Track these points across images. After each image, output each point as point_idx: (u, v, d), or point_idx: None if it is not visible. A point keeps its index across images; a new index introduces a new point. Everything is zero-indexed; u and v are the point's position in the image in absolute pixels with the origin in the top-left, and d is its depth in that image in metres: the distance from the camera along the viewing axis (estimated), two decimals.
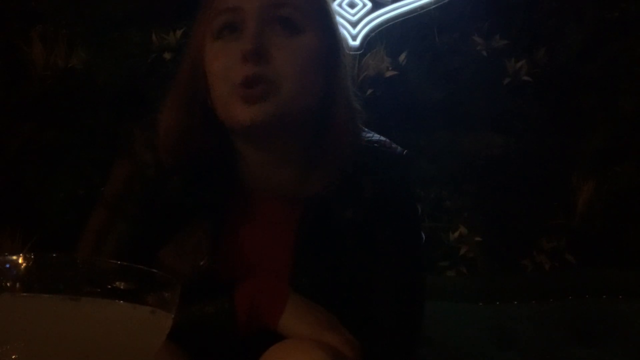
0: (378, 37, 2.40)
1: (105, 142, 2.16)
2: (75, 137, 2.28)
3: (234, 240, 1.12)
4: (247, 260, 1.12)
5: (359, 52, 2.34)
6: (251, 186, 1.12)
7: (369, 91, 2.26)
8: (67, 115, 2.31)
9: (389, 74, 2.36)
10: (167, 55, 2.36)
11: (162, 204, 1.10)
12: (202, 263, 1.07)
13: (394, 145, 1.19)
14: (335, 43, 1.13)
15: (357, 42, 2.35)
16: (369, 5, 2.41)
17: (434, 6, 2.42)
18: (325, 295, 1.08)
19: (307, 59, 1.07)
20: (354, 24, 2.37)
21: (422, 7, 2.42)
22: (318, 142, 1.10)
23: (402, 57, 2.40)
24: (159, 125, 1.11)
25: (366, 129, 1.18)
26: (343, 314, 1.07)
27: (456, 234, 2.23)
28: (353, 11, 2.38)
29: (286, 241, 1.11)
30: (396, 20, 2.42)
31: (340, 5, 2.38)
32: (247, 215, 1.13)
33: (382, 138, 1.19)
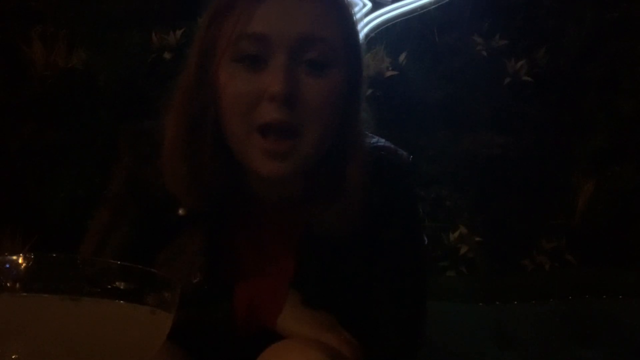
0: (378, 37, 2.40)
1: (105, 142, 2.16)
2: (75, 137, 2.28)
3: (235, 243, 1.11)
4: (248, 263, 1.11)
5: None
6: (254, 192, 1.11)
7: (369, 91, 2.26)
8: (67, 115, 2.31)
9: (389, 74, 2.36)
10: (167, 55, 2.36)
11: (158, 209, 1.08)
12: (195, 281, 1.05)
13: (399, 152, 1.17)
14: (359, 76, 1.08)
15: None
16: (369, 5, 2.41)
17: (434, 6, 2.42)
18: (328, 298, 1.08)
19: (333, 99, 1.01)
20: None
21: (422, 7, 2.42)
22: (329, 174, 1.06)
23: (402, 57, 2.40)
24: (164, 153, 1.04)
25: (370, 134, 1.15)
26: (346, 317, 1.07)
27: (456, 234, 2.23)
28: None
29: (289, 245, 1.11)
30: (396, 20, 2.42)
31: None
32: (250, 219, 1.12)
33: (387, 143, 1.16)
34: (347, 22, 1.06)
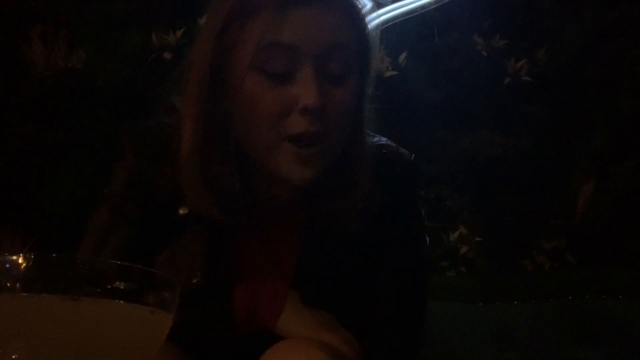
0: (378, 37, 2.40)
1: (105, 142, 2.16)
2: (75, 137, 2.28)
3: (235, 243, 1.11)
4: (248, 263, 1.11)
5: None
6: (258, 193, 1.11)
7: (369, 91, 2.26)
8: (67, 115, 2.31)
9: (389, 74, 2.36)
10: (167, 55, 2.36)
11: (159, 209, 1.08)
12: (195, 281, 1.05)
13: (401, 150, 1.16)
14: (368, 78, 1.09)
15: None
16: (369, 5, 2.40)
17: (434, 6, 2.42)
18: (328, 298, 1.08)
19: (350, 107, 1.03)
20: None
21: (422, 7, 2.42)
22: (334, 173, 1.06)
23: (402, 57, 2.40)
24: (181, 152, 1.04)
25: (372, 133, 1.15)
26: (346, 317, 1.07)
27: (456, 234, 2.23)
28: None
29: (290, 245, 1.11)
30: (396, 20, 2.41)
31: None
32: (251, 219, 1.12)
33: (389, 142, 1.16)
34: (362, 27, 1.07)
